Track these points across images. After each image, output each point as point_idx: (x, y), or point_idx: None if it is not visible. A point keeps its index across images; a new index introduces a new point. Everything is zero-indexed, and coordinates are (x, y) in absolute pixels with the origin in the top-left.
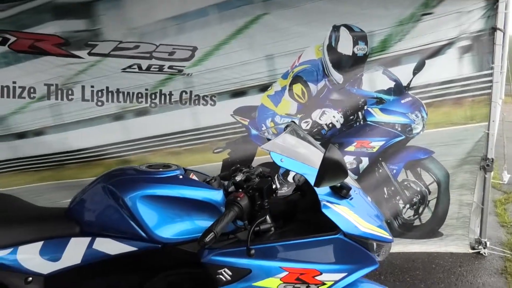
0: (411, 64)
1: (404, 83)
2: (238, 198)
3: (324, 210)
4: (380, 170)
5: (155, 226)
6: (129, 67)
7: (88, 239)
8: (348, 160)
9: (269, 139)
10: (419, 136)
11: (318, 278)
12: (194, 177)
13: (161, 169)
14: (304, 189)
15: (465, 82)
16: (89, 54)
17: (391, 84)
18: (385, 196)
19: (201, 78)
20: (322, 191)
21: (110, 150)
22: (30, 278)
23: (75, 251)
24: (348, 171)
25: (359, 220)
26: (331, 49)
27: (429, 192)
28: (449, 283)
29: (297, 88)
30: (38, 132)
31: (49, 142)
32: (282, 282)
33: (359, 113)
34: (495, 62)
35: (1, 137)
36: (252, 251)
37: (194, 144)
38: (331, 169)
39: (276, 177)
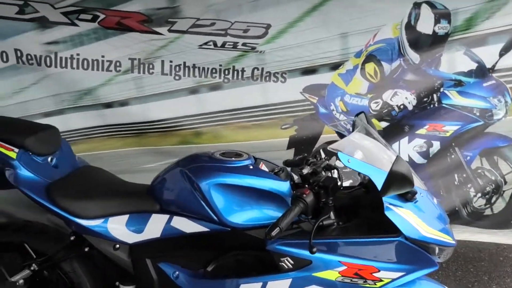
0: (498, 45)
1: (488, 65)
2: (304, 195)
3: (387, 213)
4: (453, 156)
5: (225, 211)
6: (205, 43)
7: (166, 216)
8: (418, 143)
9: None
10: (500, 123)
11: (375, 274)
12: (264, 167)
13: (233, 158)
14: (368, 186)
15: None
16: (169, 30)
17: (473, 65)
18: (456, 183)
19: (273, 55)
20: None
21: (185, 121)
22: (118, 246)
23: (155, 226)
24: (415, 175)
25: (421, 224)
26: (410, 27)
27: (505, 182)
28: None
29: (370, 67)
30: (123, 103)
31: (133, 112)
32: (340, 275)
33: (434, 95)
34: None
35: (91, 106)
36: (314, 249)
37: (263, 120)
38: (397, 181)
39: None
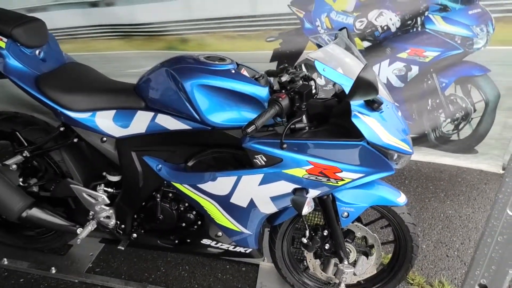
0: None
1: None
2: (280, 98)
3: (353, 119)
4: (429, 82)
5: (207, 111)
6: None
7: (151, 113)
8: (398, 67)
9: (318, 46)
10: (479, 52)
11: (338, 174)
12: (245, 72)
13: (217, 62)
14: (340, 96)
15: None
16: None
17: None
18: (428, 108)
19: None
20: (356, 102)
21: (172, 27)
22: (105, 138)
23: (140, 122)
24: (382, 86)
25: (383, 132)
26: None
27: (474, 110)
28: (469, 197)
29: None
30: (109, 3)
31: (119, 13)
32: (307, 173)
33: (418, 18)
34: None
35: (77, 4)
36: (285, 145)
37: (249, 31)
38: (363, 87)
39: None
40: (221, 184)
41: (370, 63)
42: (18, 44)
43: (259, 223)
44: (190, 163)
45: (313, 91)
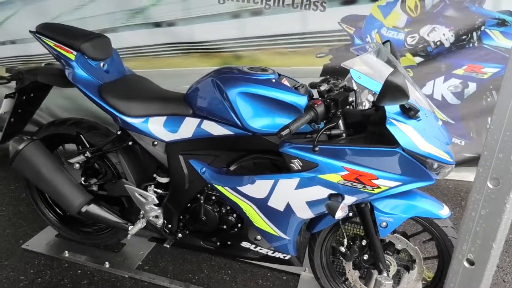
0: None
1: None
2: (316, 105)
3: (388, 126)
4: (489, 99)
5: (248, 118)
6: None
7: (198, 120)
8: (454, 84)
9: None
10: None
11: (374, 181)
12: (286, 82)
13: (259, 72)
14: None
15: None
16: None
17: None
18: (487, 126)
19: None
20: (392, 109)
21: (227, 44)
22: (156, 142)
23: (188, 127)
24: (421, 94)
25: (420, 140)
26: None
27: None
28: None
29: (411, 0)
30: (170, 23)
31: (179, 32)
32: (342, 179)
33: (474, 33)
34: None
35: (142, 25)
36: (317, 148)
37: (299, 47)
38: (391, 91)
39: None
40: (259, 187)
41: (424, 79)
42: (86, 57)
43: (296, 228)
44: (232, 168)
45: (350, 99)
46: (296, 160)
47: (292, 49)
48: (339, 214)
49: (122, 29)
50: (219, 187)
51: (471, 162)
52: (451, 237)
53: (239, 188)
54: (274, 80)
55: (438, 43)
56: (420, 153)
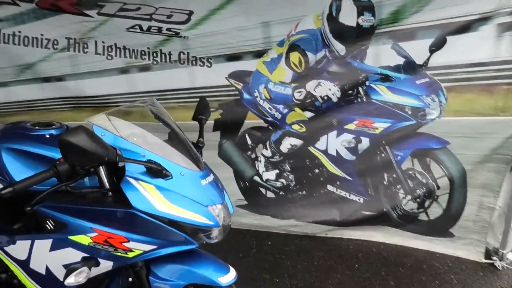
0: (428, 40)
1: (420, 61)
2: (58, 162)
3: (121, 184)
4: (383, 154)
5: (15, 173)
6: (132, 27)
7: None
8: (347, 139)
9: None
10: (434, 123)
11: (125, 244)
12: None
13: (37, 127)
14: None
15: (501, 66)
16: (98, 14)
17: (400, 60)
18: (384, 183)
19: (198, 41)
20: (134, 167)
21: (117, 99)
22: None
23: None
24: (185, 155)
25: (161, 200)
26: (332, 19)
27: (438, 187)
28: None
29: (295, 56)
30: (60, 78)
31: (69, 87)
32: (92, 241)
33: (360, 88)
34: None
35: (31, 80)
36: (28, 208)
37: (189, 102)
38: (70, 152)
39: (268, 144)
40: (20, 248)
41: (318, 134)
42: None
43: None
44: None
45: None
46: (49, 219)
47: (181, 104)
48: (71, 280)
49: (12, 84)
50: None
51: (373, 220)
52: None
53: (5, 248)
54: (48, 136)
55: (325, 97)
56: (157, 213)
